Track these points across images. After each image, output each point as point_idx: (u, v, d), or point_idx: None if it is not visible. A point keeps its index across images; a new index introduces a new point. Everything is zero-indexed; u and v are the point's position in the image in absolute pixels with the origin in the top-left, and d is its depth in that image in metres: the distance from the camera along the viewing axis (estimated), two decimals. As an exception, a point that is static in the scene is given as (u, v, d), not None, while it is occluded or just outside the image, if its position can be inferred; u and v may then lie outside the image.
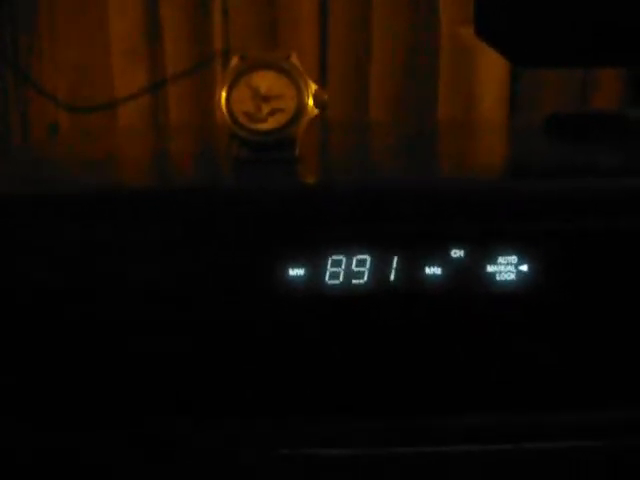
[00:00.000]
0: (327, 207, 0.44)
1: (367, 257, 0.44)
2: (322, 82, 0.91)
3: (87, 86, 0.97)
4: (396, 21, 0.87)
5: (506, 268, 0.44)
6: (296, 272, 0.44)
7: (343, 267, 0.44)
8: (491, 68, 0.89)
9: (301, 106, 0.50)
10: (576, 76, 0.87)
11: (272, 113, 0.50)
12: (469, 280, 0.44)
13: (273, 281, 0.44)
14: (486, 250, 0.44)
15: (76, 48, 0.97)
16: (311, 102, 0.50)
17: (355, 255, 0.44)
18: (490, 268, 0.44)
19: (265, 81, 0.50)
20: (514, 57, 0.64)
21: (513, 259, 0.44)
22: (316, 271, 0.44)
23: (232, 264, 0.44)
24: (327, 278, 0.44)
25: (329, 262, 0.44)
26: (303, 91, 0.50)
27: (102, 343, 0.45)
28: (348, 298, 0.44)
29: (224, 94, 0.50)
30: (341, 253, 0.44)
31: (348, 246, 0.44)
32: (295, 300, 0.44)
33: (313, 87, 0.50)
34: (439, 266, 0.44)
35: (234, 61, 0.51)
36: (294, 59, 0.51)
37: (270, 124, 0.50)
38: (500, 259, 0.44)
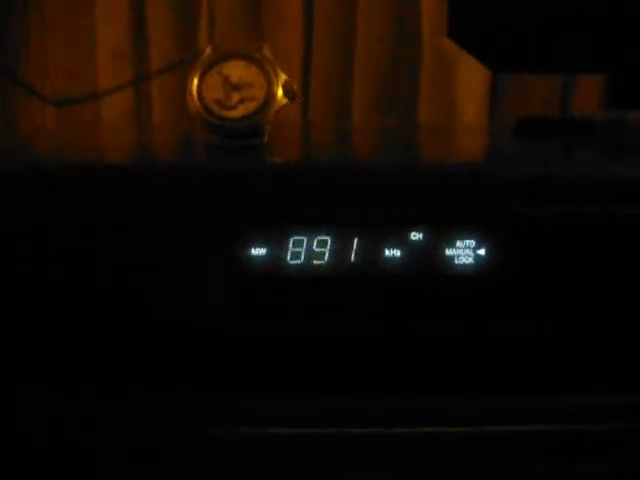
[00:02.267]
0: (290, 188, 0.45)
1: (328, 238, 0.45)
2: (305, 86, 0.92)
3: (74, 89, 0.98)
4: (380, 29, 0.89)
5: (464, 252, 0.45)
6: (258, 251, 0.45)
7: (304, 247, 0.45)
8: (472, 78, 0.90)
9: (270, 95, 0.51)
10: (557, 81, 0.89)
11: (242, 101, 0.51)
12: (428, 263, 0.45)
13: (236, 260, 0.45)
14: (445, 234, 0.45)
15: (63, 50, 0.98)
16: (280, 92, 0.51)
17: (316, 236, 0.45)
18: (449, 251, 0.45)
19: (236, 70, 0.52)
20: (489, 62, 0.65)
21: (471, 243, 0.45)
22: (278, 251, 0.45)
23: (196, 243, 0.45)
24: (288, 258, 0.45)
25: (291, 242, 0.45)
26: (273, 80, 0.51)
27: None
28: (309, 278, 0.45)
29: (196, 81, 0.51)
30: (302, 234, 0.45)
31: (309, 227, 0.45)
32: (256, 279, 0.45)
33: (283, 77, 0.52)
34: (399, 248, 0.45)
35: (207, 51, 0.52)
36: (266, 50, 0.52)
37: (239, 111, 0.51)
38: (458, 243, 0.45)
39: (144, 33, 0.97)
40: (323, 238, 0.45)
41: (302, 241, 0.45)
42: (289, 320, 0.46)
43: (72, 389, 0.46)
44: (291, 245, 0.45)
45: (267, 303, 0.46)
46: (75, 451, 0.47)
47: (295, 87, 0.52)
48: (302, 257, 0.45)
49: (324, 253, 0.45)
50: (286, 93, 0.51)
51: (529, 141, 0.60)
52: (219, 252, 0.45)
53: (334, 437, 0.46)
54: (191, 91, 0.51)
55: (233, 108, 0.51)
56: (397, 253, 0.45)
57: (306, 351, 0.46)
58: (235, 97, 0.51)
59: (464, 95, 0.89)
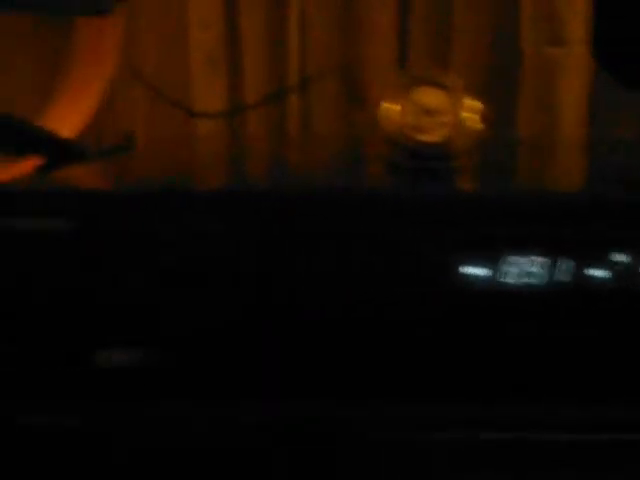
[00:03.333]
0: (504, 212, 0.48)
1: (539, 259, 0.48)
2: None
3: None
4: (477, 38, 0.91)
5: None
6: (472, 271, 0.49)
7: (516, 267, 0.48)
8: (573, 89, 0.92)
9: (462, 121, 0.54)
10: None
11: (435, 127, 0.55)
12: (633, 283, 0.49)
13: (450, 279, 0.48)
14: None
15: (155, 57, 0.99)
16: (472, 118, 0.55)
17: (528, 256, 0.48)
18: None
19: (428, 97, 0.55)
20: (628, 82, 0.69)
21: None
22: (491, 270, 0.48)
23: (413, 263, 0.48)
24: (501, 277, 0.49)
25: (504, 262, 0.48)
26: (463, 107, 0.55)
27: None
28: (520, 296, 0.49)
29: (389, 106, 0.55)
30: (515, 254, 0.48)
31: (521, 248, 0.48)
32: (470, 297, 0.49)
33: (475, 104, 0.55)
34: (605, 269, 0.49)
35: (398, 77, 0.56)
36: (455, 77, 0.55)
37: (433, 136, 0.54)
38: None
39: (237, 39, 0.99)
40: (535, 259, 0.48)
41: (514, 261, 0.48)
42: (499, 336, 0.49)
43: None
44: (504, 264, 0.48)
45: (482, 320, 0.49)
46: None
47: (489, 114, 0.55)
48: (514, 276, 0.48)
49: (535, 273, 0.49)
50: (480, 120, 0.55)
51: None
52: (435, 273, 0.48)
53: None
54: (386, 115, 0.55)
55: (427, 133, 0.54)
56: (603, 274, 0.49)
57: (520, 363, 0.49)
58: (428, 122, 0.54)
59: (563, 105, 0.91)
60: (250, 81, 0.99)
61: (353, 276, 0.48)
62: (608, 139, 0.78)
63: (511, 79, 0.91)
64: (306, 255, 0.48)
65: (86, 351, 0.50)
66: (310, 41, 0.99)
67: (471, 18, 0.92)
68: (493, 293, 0.49)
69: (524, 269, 0.49)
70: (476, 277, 0.48)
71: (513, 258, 0.48)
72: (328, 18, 0.98)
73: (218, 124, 0.95)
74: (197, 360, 0.49)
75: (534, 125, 0.93)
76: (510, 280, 0.49)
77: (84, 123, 0.72)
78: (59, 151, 0.65)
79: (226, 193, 0.51)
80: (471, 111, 0.55)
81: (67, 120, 0.71)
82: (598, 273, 0.49)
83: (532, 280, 0.49)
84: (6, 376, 0.50)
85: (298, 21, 0.99)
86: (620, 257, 0.49)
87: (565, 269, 0.49)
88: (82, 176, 0.63)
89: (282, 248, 0.48)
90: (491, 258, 0.48)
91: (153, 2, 0.94)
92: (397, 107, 0.55)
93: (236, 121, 0.96)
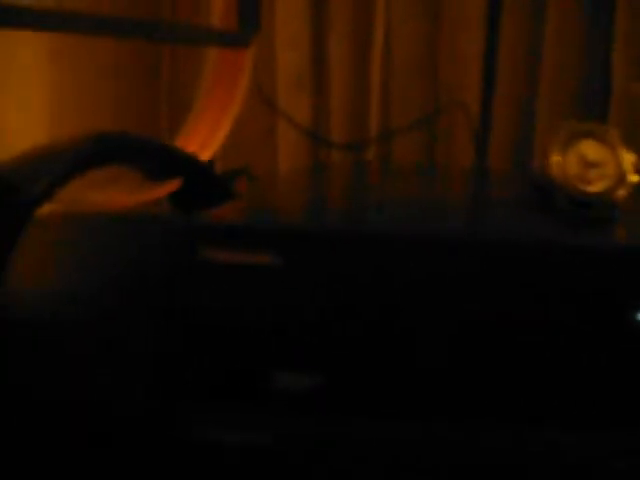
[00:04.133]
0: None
1: None
2: (484, 124, 0.99)
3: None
4: (564, 73, 0.95)
5: None
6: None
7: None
8: None
9: (622, 173, 0.59)
10: None
11: (597, 177, 0.59)
12: None
13: (626, 323, 0.53)
14: None
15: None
16: (629, 169, 0.59)
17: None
18: None
19: (590, 149, 0.59)
20: None
21: None
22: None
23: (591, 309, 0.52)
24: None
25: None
26: (623, 160, 0.59)
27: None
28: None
29: (557, 158, 0.59)
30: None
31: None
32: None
33: (631, 157, 0.59)
34: None
35: (559, 130, 0.59)
36: (614, 131, 0.59)
37: (596, 187, 0.58)
38: None
39: (324, 61, 1.01)
40: None
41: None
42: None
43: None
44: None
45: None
46: None
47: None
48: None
49: None
50: (632, 170, 0.59)
51: None
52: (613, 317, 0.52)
53: None
54: (553, 165, 0.58)
55: (589, 183, 0.58)
56: None
57: None
58: (592, 173, 0.59)
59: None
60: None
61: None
62: None
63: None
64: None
65: (276, 371, 0.53)
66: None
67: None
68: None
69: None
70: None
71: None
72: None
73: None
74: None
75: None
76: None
77: (215, 151, 0.75)
78: (200, 175, 0.68)
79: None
80: (628, 163, 0.59)
81: (200, 147, 0.74)
82: None
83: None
84: (201, 395, 0.53)
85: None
86: None
87: None
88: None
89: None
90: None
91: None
92: (562, 158, 0.59)
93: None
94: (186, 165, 0.67)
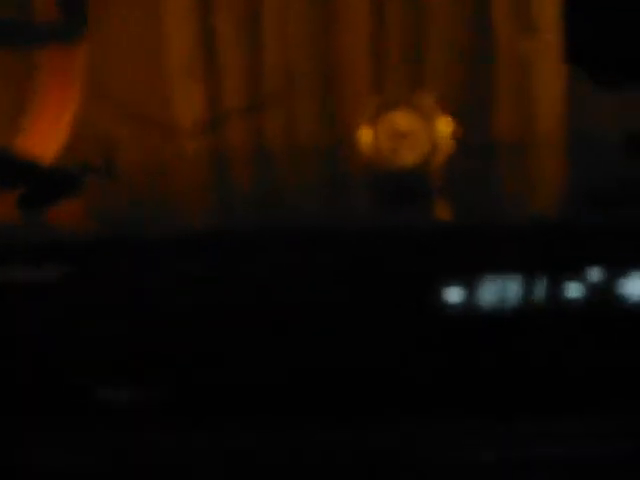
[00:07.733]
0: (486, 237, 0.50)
1: (515, 279, 0.50)
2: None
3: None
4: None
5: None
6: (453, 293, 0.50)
7: (494, 289, 0.50)
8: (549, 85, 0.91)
9: (436, 143, 0.56)
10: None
11: (410, 150, 0.56)
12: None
13: (433, 302, 0.50)
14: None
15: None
16: (447, 140, 0.56)
17: (505, 278, 0.50)
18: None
19: (402, 119, 0.56)
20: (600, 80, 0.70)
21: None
22: (471, 292, 0.50)
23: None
24: (481, 299, 0.50)
25: (483, 284, 0.50)
26: (437, 128, 0.56)
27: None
28: (499, 317, 0.50)
29: (365, 131, 0.56)
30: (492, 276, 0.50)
31: (499, 270, 0.50)
32: (453, 319, 0.50)
33: (448, 124, 0.56)
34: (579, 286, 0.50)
35: (372, 99, 0.57)
36: (429, 98, 0.56)
37: (407, 159, 0.56)
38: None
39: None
40: (511, 279, 0.50)
41: (492, 282, 0.50)
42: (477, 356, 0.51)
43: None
44: (483, 286, 0.50)
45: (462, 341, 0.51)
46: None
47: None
48: (493, 298, 0.50)
49: (512, 294, 0.50)
50: (448, 137, 0.56)
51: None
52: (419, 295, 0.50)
53: None
54: (362, 140, 0.56)
55: (402, 157, 0.56)
56: (577, 292, 0.50)
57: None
58: (404, 146, 0.56)
59: (541, 101, 0.91)
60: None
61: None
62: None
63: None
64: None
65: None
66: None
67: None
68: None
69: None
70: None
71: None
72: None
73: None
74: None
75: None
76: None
77: (56, 151, 0.73)
78: (45, 181, 0.66)
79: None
80: (444, 129, 0.56)
81: (39, 149, 0.72)
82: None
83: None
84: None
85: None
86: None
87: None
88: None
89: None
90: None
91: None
92: (372, 130, 0.56)
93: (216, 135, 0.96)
94: (23, 170, 0.66)
